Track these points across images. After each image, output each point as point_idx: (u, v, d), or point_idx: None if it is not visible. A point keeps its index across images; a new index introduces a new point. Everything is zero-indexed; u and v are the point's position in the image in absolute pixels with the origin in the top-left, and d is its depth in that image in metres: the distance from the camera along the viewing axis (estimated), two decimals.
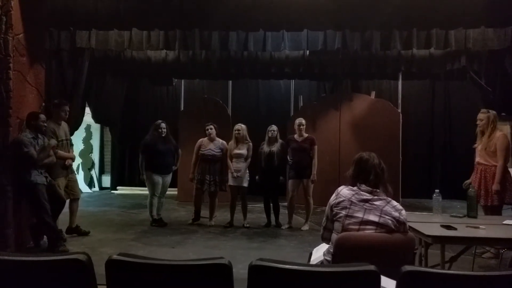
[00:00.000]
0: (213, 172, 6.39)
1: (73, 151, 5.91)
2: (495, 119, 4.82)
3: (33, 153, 4.69)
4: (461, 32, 6.24)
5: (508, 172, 4.78)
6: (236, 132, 6.40)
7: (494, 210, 4.63)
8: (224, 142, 6.54)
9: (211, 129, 6.49)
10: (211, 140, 6.49)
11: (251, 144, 6.46)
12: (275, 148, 6.36)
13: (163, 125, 6.39)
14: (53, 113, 5.50)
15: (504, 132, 5.45)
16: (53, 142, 5.06)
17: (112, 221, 6.87)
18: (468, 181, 4.99)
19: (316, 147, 6.30)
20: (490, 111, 4.90)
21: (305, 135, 6.37)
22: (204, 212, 6.66)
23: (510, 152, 4.80)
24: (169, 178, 6.54)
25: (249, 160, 6.41)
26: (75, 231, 5.69)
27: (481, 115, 4.88)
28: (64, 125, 5.64)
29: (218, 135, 6.60)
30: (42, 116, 4.96)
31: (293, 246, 5.45)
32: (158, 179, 6.32)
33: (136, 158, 10.37)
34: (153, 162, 6.26)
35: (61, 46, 6.46)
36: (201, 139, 6.58)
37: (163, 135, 6.35)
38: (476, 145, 4.97)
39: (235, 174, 6.30)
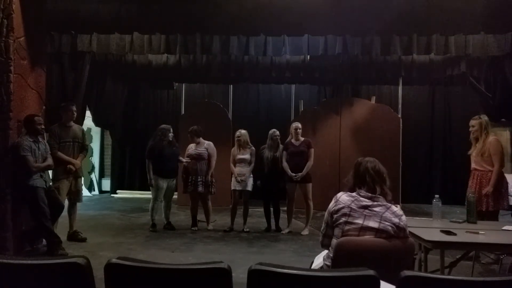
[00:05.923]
0: (199, 172, 6.36)
1: (84, 156, 5.69)
2: (488, 125, 4.80)
3: (29, 158, 4.66)
4: (461, 38, 6.27)
5: (504, 177, 4.77)
6: (237, 138, 6.45)
7: (490, 216, 4.57)
8: (210, 142, 6.54)
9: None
10: (197, 143, 6.50)
11: (253, 148, 6.50)
12: (278, 153, 6.38)
13: (171, 130, 6.46)
14: (62, 116, 5.54)
15: (504, 137, 5.44)
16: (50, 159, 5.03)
17: (112, 225, 6.86)
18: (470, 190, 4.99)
19: (312, 150, 6.31)
20: (481, 116, 4.88)
21: (301, 138, 6.38)
22: (201, 217, 6.65)
23: (504, 156, 4.79)
24: (174, 182, 6.57)
25: (252, 164, 6.44)
26: (72, 237, 5.60)
27: (473, 122, 4.86)
28: (75, 127, 5.65)
29: (213, 139, 6.67)
30: (38, 119, 4.85)
31: (293, 250, 5.43)
32: (163, 184, 6.33)
33: (135, 161, 10.47)
34: (159, 166, 6.26)
35: (62, 50, 6.49)
36: (190, 145, 6.61)
37: (170, 140, 6.40)
38: (470, 152, 4.96)
39: (239, 179, 6.32)
